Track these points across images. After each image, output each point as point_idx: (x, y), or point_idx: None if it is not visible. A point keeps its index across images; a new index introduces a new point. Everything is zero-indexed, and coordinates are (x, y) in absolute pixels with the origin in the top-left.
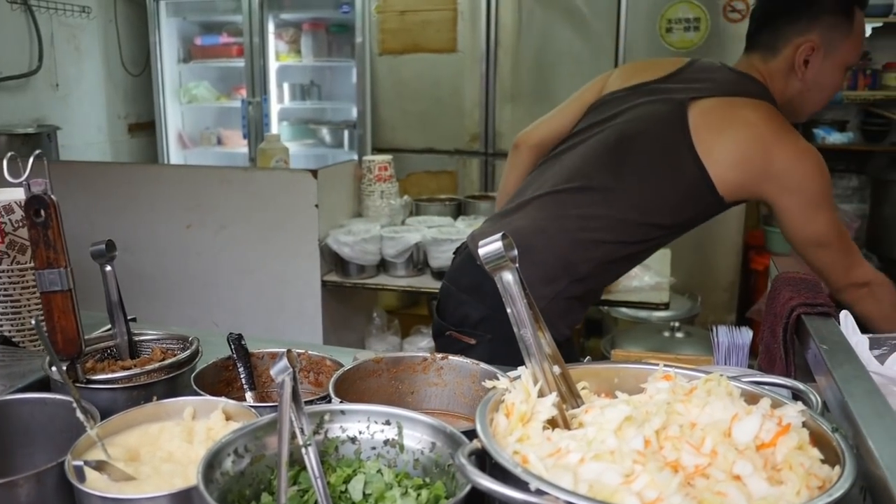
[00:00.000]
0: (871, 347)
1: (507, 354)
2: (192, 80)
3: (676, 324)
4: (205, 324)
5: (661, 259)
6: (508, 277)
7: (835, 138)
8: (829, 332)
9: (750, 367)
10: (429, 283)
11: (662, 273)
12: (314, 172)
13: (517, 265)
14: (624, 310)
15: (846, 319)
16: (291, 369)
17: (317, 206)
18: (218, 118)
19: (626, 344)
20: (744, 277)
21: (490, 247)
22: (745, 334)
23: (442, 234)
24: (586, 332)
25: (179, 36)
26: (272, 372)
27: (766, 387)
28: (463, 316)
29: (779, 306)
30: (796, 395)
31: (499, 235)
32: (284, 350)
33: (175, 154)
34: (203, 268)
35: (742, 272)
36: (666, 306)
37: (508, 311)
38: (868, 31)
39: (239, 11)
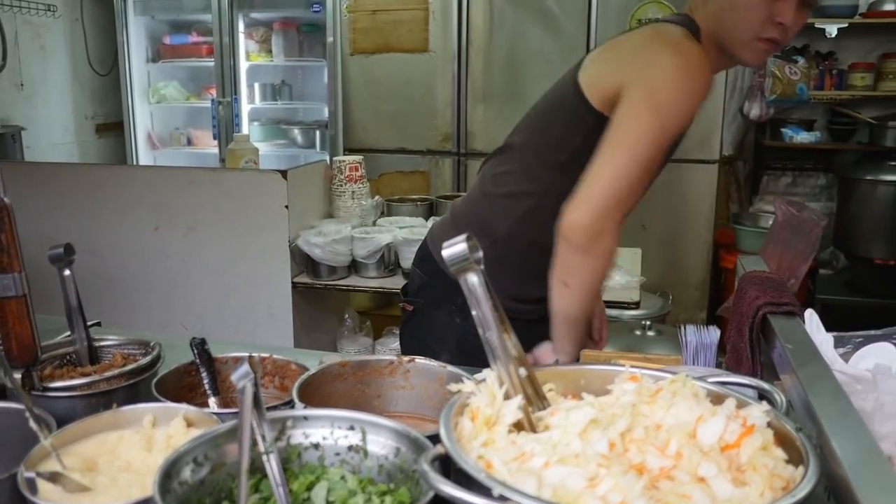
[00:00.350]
0: (836, 346)
1: (433, 319)
2: (161, 79)
3: (648, 322)
4: (174, 327)
5: (631, 258)
6: (473, 279)
7: (802, 137)
8: (794, 332)
9: (718, 365)
10: (400, 284)
11: (633, 272)
12: (284, 173)
13: (482, 267)
14: None
15: (811, 318)
16: (252, 375)
17: (287, 207)
18: (188, 118)
19: None
20: (714, 276)
21: (454, 249)
22: (713, 333)
23: (413, 235)
24: None
25: (148, 35)
26: (233, 378)
27: (732, 387)
28: (408, 285)
29: (745, 305)
30: (762, 395)
31: (463, 237)
32: (247, 355)
33: (144, 155)
34: (171, 270)
35: (712, 270)
36: (637, 305)
37: (473, 313)
38: (833, 32)
39: (208, 10)
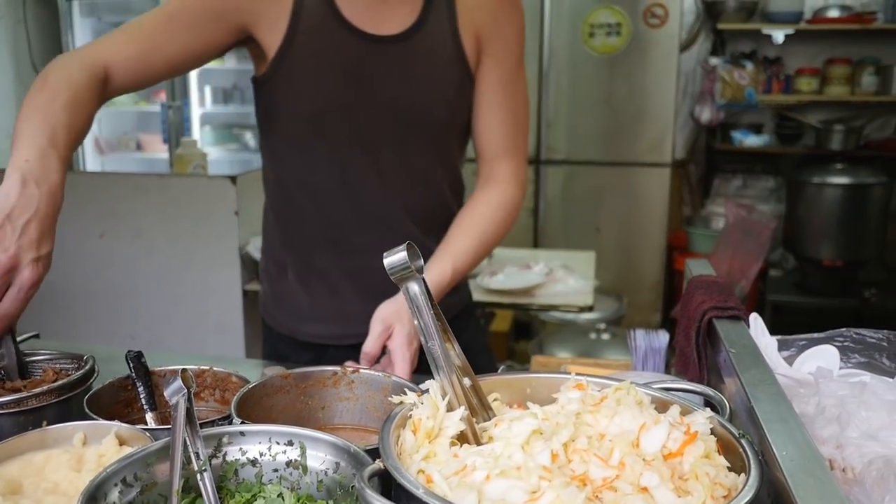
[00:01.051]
0: (780, 349)
1: None
2: None
3: (602, 325)
4: (121, 337)
5: (585, 262)
6: (415, 288)
7: (751, 141)
8: (739, 336)
9: (668, 369)
10: None
11: (586, 276)
12: (233, 179)
13: (423, 275)
14: (552, 312)
15: (755, 322)
16: (185, 390)
17: (237, 213)
18: (137, 123)
19: (552, 347)
20: (668, 278)
21: (394, 257)
22: (662, 337)
23: None
24: (515, 335)
25: (94, 37)
26: (165, 394)
27: (677, 393)
28: None
29: (692, 309)
30: (708, 401)
31: (403, 246)
32: (182, 368)
33: (92, 160)
34: (118, 278)
35: (666, 273)
36: (590, 309)
37: (415, 322)
38: (780, 39)
39: None
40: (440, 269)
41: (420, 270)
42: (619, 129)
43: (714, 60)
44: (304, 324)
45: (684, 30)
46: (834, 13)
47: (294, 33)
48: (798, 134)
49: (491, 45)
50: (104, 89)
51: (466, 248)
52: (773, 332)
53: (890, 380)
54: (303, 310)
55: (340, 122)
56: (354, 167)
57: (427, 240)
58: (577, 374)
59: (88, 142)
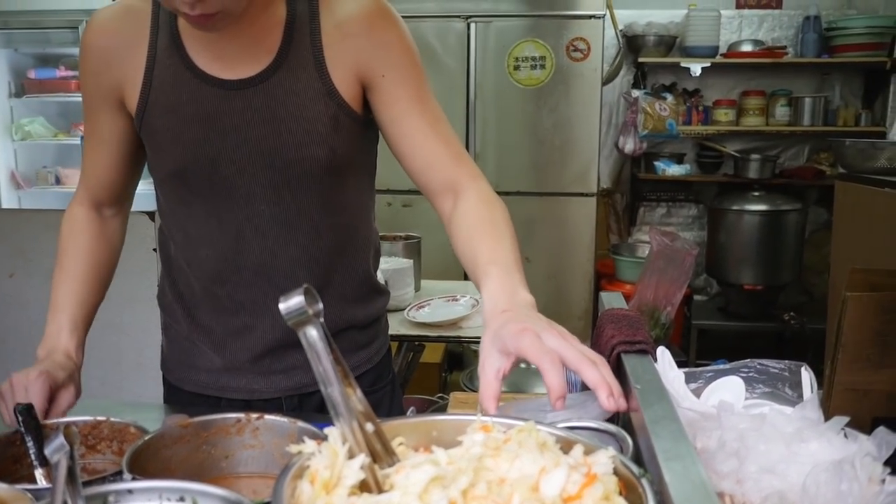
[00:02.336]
0: (688, 381)
1: None
2: (26, 115)
3: None
4: None
5: None
6: (313, 333)
7: (674, 170)
8: (645, 370)
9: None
10: None
11: None
12: (151, 214)
13: (322, 319)
14: None
15: (663, 355)
16: (68, 447)
17: (155, 249)
18: (57, 156)
19: None
20: (596, 305)
21: (290, 302)
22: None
23: None
24: (448, 366)
25: (10, 69)
26: (46, 452)
27: (583, 431)
28: None
29: (602, 344)
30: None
31: (301, 289)
32: (67, 420)
33: (8, 195)
34: (29, 320)
35: (594, 300)
36: None
37: (314, 368)
38: (698, 71)
39: (76, 44)
40: (499, 283)
41: (318, 314)
42: (546, 159)
43: (636, 93)
44: (194, 374)
45: (607, 63)
46: (747, 47)
47: (149, 90)
48: (718, 163)
49: (379, 69)
50: (106, 219)
51: (499, 242)
52: (699, 356)
53: (790, 410)
54: (192, 361)
55: (208, 176)
56: (230, 221)
57: (325, 292)
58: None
59: (4, 175)
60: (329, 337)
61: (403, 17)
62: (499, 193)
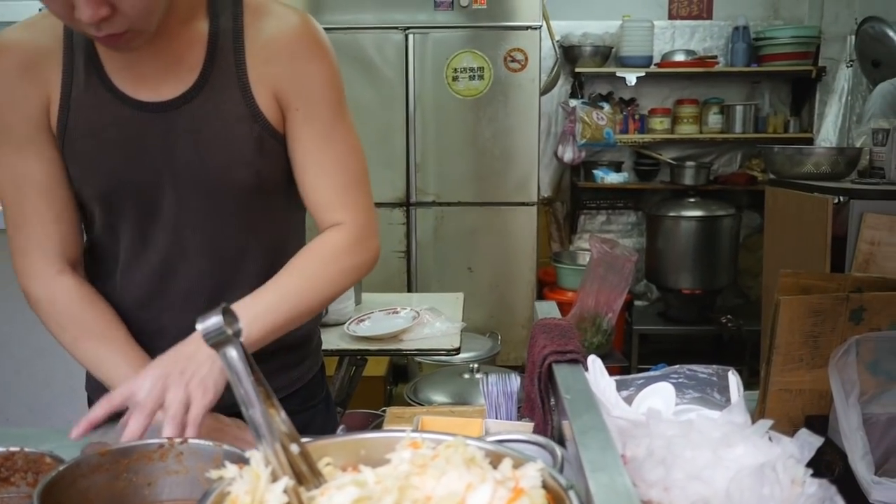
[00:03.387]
0: (620, 389)
1: None
2: None
3: (475, 365)
4: None
5: (454, 303)
6: (233, 354)
7: (612, 178)
8: (575, 380)
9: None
10: None
11: (454, 318)
12: None
13: (242, 339)
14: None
15: (594, 364)
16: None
17: None
18: None
19: (427, 390)
20: None
21: (209, 322)
22: (514, 381)
23: None
24: (393, 378)
25: None
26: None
27: (515, 444)
28: None
29: (535, 354)
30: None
31: (219, 309)
32: None
33: None
34: None
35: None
36: (457, 351)
37: (235, 390)
38: (633, 81)
39: None
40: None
41: (238, 334)
42: (486, 169)
43: (574, 102)
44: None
45: (544, 73)
46: (680, 57)
47: (67, 112)
48: (655, 170)
49: (295, 102)
50: (78, 269)
51: (277, 286)
52: (640, 361)
53: (717, 416)
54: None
55: (133, 200)
56: (156, 246)
57: None
58: (411, 431)
59: None
60: (249, 357)
61: (342, 28)
62: (440, 204)
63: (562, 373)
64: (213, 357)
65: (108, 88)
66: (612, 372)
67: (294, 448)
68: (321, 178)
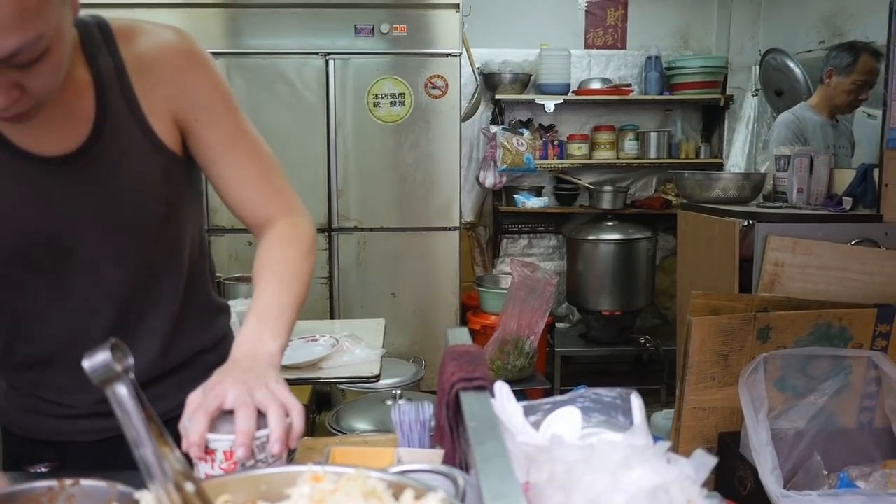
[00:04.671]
0: (528, 414)
1: None
2: None
3: (398, 392)
4: None
5: (374, 330)
6: (122, 391)
7: (533, 203)
8: (481, 407)
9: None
10: None
11: (374, 345)
12: None
13: (132, 376)
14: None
15: (501, 389)
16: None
17: None
18: None
19: (350, 417)
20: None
21: (96, 359)
22: (427, 409)
23: None
24: (317, 407)
25: None
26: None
27: (418, 473)
28: None
29: (444, 381)
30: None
31: (108, 344)
32: None
33: None
34: None
35: None
36: (377, 378)
37: (125, 429)
38: (552, 108)
39: None
40: (251, 323)
41: (128, 370)
42: (408, 194)
43: (494, 128)
44: (38, 420)
45: (465, 99)
46: (596, 85)
47: None
48: (574, 195)
49: (193, 114)
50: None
51: (269, 284)
52: (563, 382)
53: (619, 438)
54: (37, 409)
55: (46, 253)
56: (74, 289)
57: (185, 334)
58: (313, 463)
59: None
60: (140, 393)
61: (262, 53)
62: (362, 230)
63: (468, 400)
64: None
65: (6, 147)
66: (534, 395)
67: (189, 486)
68: (241, 175)
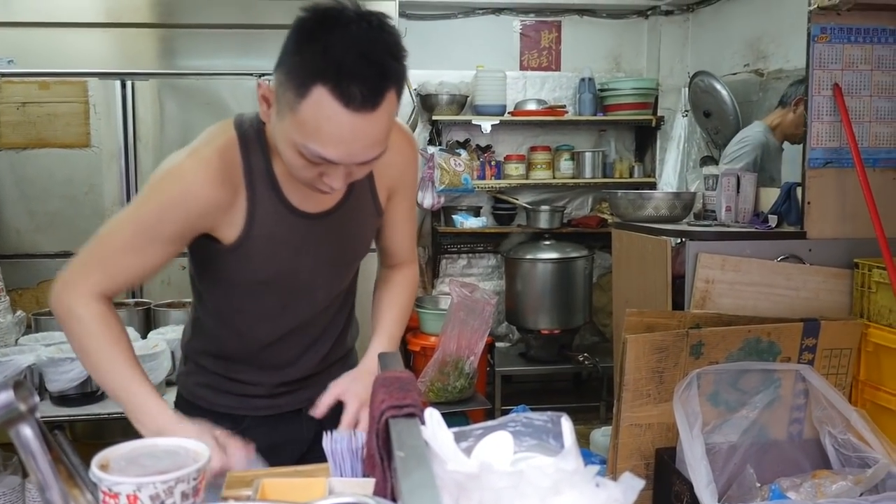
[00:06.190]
0: (459, 440)
1: None
2: None
3: None
4: None
5: None
6: (27, 432)
7: (472, 223)
8: (410, 436)
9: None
10: (48, 411)
11: None
12: None
13: (38, 415)
14: None
15: (432, 416)
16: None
17: None
18: None
19: None
20: (405, 360)
21: None
22: (359, 437)
23: (62, 353)
24: None
25: None
26: None
27: None
28: None
29: (374, 409)
30: None
31: (9, 384)
32: None
33: None
34: None
35: (404, 356)
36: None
37: (30, 472)
38: (488, 129)
39: None
40: (380, 343)
41: (33, 410)
42: None
43: (432, 149)
44: (224, 397)
45: (402, 120)
46: (532, 106)
47: (251, 226)
48: (512, 214)
49: (400, 191)
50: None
51: (395, 317)
52: (504, 402)
53: (550, 462)
54: (225, 388)
55: (288, 281)
56: (294, 306)
57: (345, 334)
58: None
59: None
60: (47, 434)
61: (196, 74)
62: None
63: (397, 428)
64: None
65: (284, 205)
66: (475, 415)
67: None
68: (406, 236)
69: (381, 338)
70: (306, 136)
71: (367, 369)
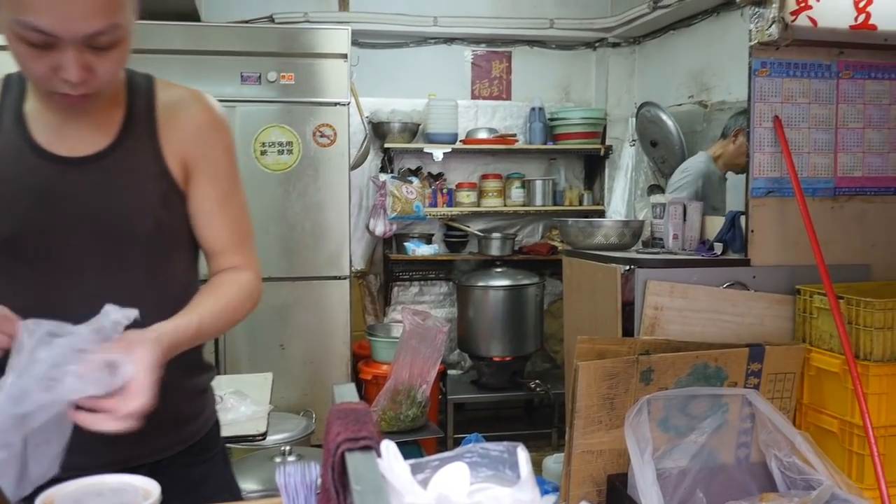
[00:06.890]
0: (416, 472)
1: None
2: None
3: (288, 448)
4: None
5: (261, 385)
6: None
7: (423, 250)
8: (366, 469)
9: None
10: None
11: (261, 401)
12: None
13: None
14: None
15: (388, 448)
16: None
17: None
18: None
19: (239, 477)
20: (357, 388)
21: None
22: (313, 470)
23: None
24: None
25: None
26: None
27: None
28: None
29: (329, 441)
30: None
31: None
32: None
33: None
34: None
35: (355, 383)
36: (263, 437)
37: None
38: (440, 157)
39: None
40: (187, 319)
41: None
42: (297, 244)
43: (384, 177)
44: None
45: (354, 148)
46: (483, 135)
47: None
48: (463, 242)
49: (200, 167)
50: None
51: (213, 308)
52: (456, 430)
53: (507, 492)
54: None
55: (37, 244)
56: (57, 289)
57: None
58: None
59: None
60: None
61: None
62: None
63: (353, 461)
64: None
65: (27, 142)
66: (427, 444)
67: None
68: (222, 229)
69: (189, 315)
70: (17, 8)
71: (153, 337)
